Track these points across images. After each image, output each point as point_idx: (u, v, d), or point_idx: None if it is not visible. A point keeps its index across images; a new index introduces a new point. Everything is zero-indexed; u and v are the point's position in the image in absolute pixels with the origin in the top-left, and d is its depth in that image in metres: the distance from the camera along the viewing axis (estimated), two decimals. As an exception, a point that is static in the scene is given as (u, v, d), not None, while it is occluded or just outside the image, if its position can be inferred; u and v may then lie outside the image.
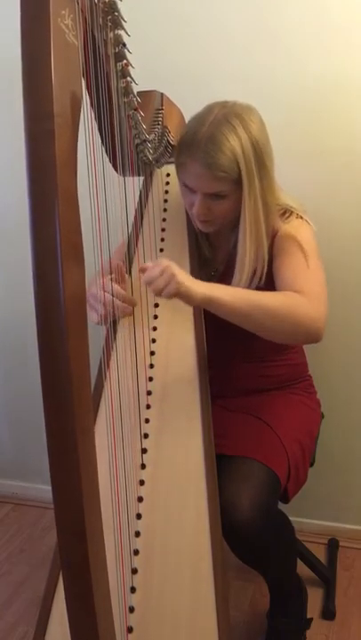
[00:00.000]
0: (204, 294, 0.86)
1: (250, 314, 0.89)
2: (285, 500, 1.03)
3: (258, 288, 0.99)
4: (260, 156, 0.97)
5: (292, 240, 1.00)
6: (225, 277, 1.06)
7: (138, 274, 0.98)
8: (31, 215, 0.48)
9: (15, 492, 1.76)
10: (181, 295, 0.85)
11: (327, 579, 1.36)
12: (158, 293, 0.84)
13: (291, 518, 1.06)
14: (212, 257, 1.13)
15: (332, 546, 1.48)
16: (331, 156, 1.30)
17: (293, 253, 0.99)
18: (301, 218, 1.04)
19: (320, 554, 1.43)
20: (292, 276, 0.97)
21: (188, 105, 1.08)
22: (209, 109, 0.98)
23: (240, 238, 1.00)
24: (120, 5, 0.68)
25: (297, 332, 0.93)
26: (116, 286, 0.94)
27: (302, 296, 0.92)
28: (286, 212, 1.04)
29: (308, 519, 1.49)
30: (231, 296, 0.88)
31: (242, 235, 0.99)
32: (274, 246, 1.02)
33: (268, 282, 1.01)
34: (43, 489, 1.68)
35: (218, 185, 0.96)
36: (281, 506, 1.02)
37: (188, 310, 1.00)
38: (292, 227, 1.02)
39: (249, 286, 1.00)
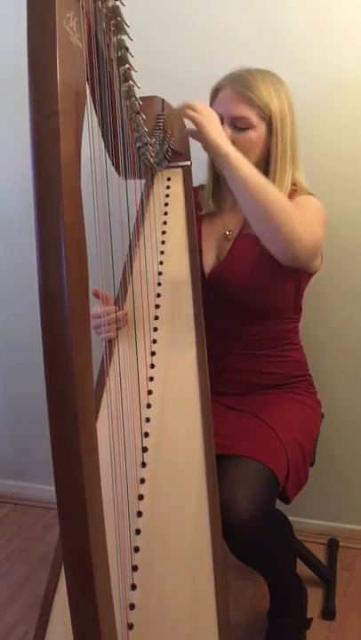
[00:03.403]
0: (225, 149, 0.94)
1: (251, 188, 0.94)
2: (286, 501, 1.03)
3: None
4: (293, 119, 1.04)
5: (305, 201, 1.06)
6: (239, 238, 1.11)
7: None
8: (36, 211, 0.49)
9: (15, 491, 1.76)
10: (201, 129, 0.94)
11: (327, 579, 1.36)
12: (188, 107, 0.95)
13: (291, 518, 1.06)
14: (227, 216, 1.15)
15: (332, 546, 1.49)
16: (332, 157, 1.31)
17: (303, 207, 1.03)
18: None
19: (320, 554, 1.44)
20: None
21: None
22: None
23: (270, 175, 1.05)
24: (123, 10, 0.69)
25: (280, 223, 0.94)
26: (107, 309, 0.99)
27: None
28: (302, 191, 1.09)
29: (308, 519, 1.50)
30: (245, 164, 0.94)
31: (271, 171, 1.05)
32: None
33: None
34: (43, 489, 1.69)
35: (244, 108, 1.01)
36: (281, 506, 1.03)
37: (189, 311, 1.01)
38: (309, 197, 1.08)
39: None
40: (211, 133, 0.94)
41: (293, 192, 1.08)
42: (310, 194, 1.10)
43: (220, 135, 0.95)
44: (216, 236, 1.15)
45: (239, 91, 1.01)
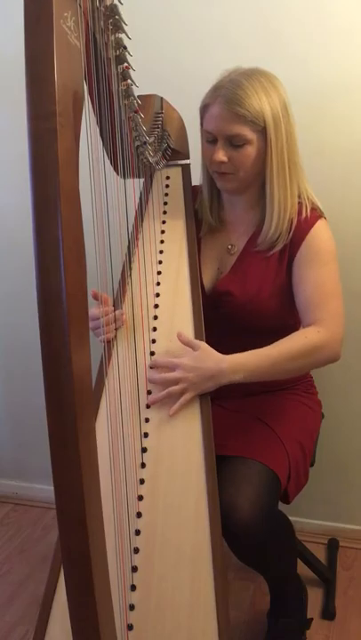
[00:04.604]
0: (217, 384, 0.92)
1: (273, 376, 0.98)
2: (287, 501, 1.03)
3: (285, 246, 1.03)
4: (288, 119, 0.99)
5: (318, 249, 1.03)
6: (244, 255, 1.07)
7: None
8: (34, 212, 0.49)
9: (15, 492, 1.76)
10: (196, 391, 0.93)
11: (327, 579, 1.36)
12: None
13: (291, 518, 1.06)
14: (229, 229, 1.12)
15: (332, 546, 1.49)
16: (332, 157, 1.31)
17: (317, 267, 1.02)
18: (325, 218, 1.06)
19: (320, 554, 1.44)
20: (312, 298, 1.01)
21: (189, 107, 1.09)
22: (236, 67, 1.01)
23: (267, 187, 1.01)
24: (121, 9, 0.68)
25: (318, 365, 1.04)
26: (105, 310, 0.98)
27: (320, 329, 0.98)
28: (314, 209, 1.05)
29: (308, 519, 1.50)
30: (246, 372, 0.93)
31: (268, 183, 1.01)
32: (302, 245, 1.03)
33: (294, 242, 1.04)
34: (43, 489, 1.69)
35: (238, 126, 0.96)
36: (281, 506, 1.03)
37: (188, 314, 1.01)
38: (321, 230, 1.04)
39: (277, 240, 1.03)
40: (203, 383, 0.92)
41: (301, 207, 1.03)
42: (320, 215, 1.05)
43: (209, 377, 0.92)
44: (218, 248, 1.11)
45: (230, 108, 0.95)
